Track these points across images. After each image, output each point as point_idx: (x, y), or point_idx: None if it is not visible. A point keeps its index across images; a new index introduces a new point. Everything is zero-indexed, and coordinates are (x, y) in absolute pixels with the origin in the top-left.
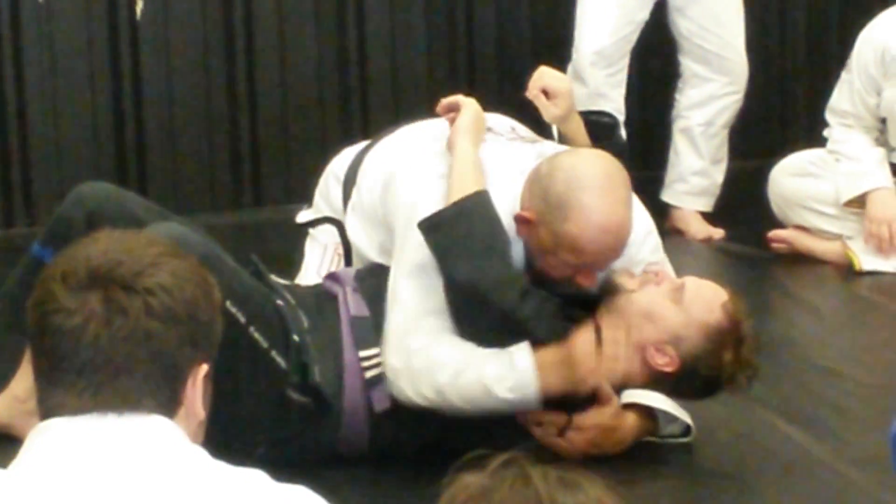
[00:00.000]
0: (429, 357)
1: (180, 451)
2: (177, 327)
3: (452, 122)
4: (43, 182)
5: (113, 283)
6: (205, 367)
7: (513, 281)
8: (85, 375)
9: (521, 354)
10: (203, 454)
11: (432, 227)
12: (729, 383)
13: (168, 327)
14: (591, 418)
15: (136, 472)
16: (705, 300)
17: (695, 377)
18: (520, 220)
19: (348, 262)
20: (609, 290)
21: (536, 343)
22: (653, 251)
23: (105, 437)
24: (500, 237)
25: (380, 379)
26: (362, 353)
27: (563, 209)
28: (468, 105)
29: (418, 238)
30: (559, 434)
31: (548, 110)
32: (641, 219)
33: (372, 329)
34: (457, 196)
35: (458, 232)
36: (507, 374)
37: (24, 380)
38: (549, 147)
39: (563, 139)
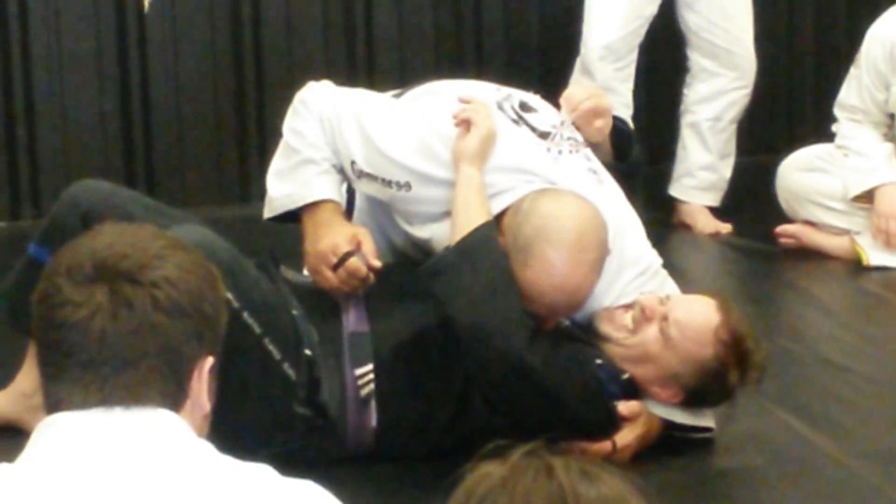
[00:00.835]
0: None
1: (187, 446)
2: (183, 320)
3: (465, 130)
4: (50, 175)
5: (119, 277)
6: (210, 360)
7: (519, 326)
8: (91, 369)
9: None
10: (210, 448)
11: (434, 273)
12: (740, 390)
13: (174, 320)
14: (630, 434)
15: (142, 467)
16: (696, 332)
17: (703, 399)
18: None
19: None
20: (597, 336)
21: (549, 387)
22: (639, 288)
23: (111, 431)
24: (505, 277)
25: (371, 396)
26: (358, 372)
27: (526, 254)
28: (480, 124)
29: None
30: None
31: (601, 132)
32: (635, 261)
33: (369, 345)
34: (461, 230)
35: (461, 277)
36: (294, 190)
37: (29, 375)
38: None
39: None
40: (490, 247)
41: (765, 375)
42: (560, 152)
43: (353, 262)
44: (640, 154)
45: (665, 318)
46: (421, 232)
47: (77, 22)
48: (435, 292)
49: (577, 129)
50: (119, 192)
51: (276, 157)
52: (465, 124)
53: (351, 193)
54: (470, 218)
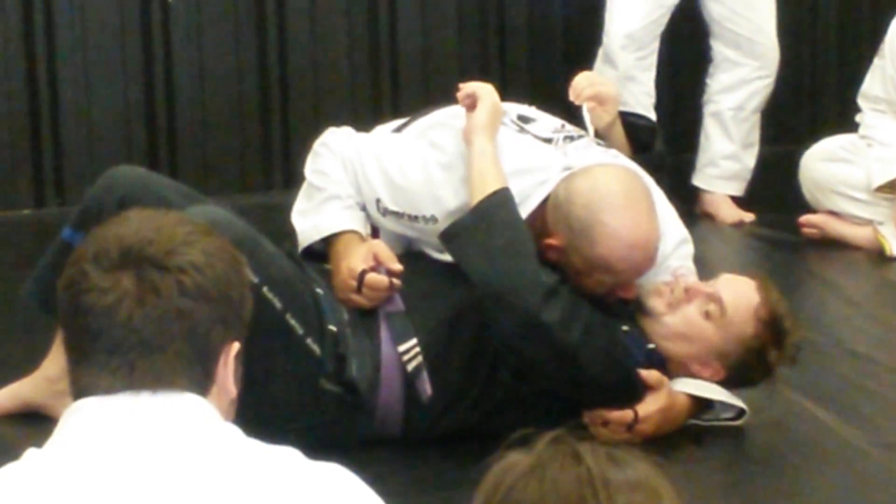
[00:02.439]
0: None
1: (214, 429)
2: (209, 306)
3: (471, 108)
4: (74, 163)
5: (145, 262)
6: (236, 346)
7: (535, 283)
8: (118, 354)
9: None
10: (237, 432)
11: (453, 235)
12: (778, 369)
13: (200, 306)
14: (653, 405)
15: (170, 450)
16: (740, 311)
17: (742, 377)
18: (548, 247)
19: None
20: (641, 311)
21: (566, 347)
22: (683, 259)
23: (139, 415)
24: (521, 237)
25: (421, 368)
26: (402, 348)
27: (589, 234)
28: (486, 98)
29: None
30: (627, 430)
31: (601, 118)
32: (674, 228)
33: (408, 322)
34: (478, 197)
35: (477, 237)
36: (318, 222)
37: (55, 361)
38: (574, 152)
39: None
40: (505, 209)
41: (800, 354)
42: (566, 151)
43: (371, 276)
44: (663, 148)
45: (708, 297)
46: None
47: (101, 10)
48: (453, 254)
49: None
50: (155, 178)
51: (299, 199)
52: (470, 100)
53: None
54: (486, 185)
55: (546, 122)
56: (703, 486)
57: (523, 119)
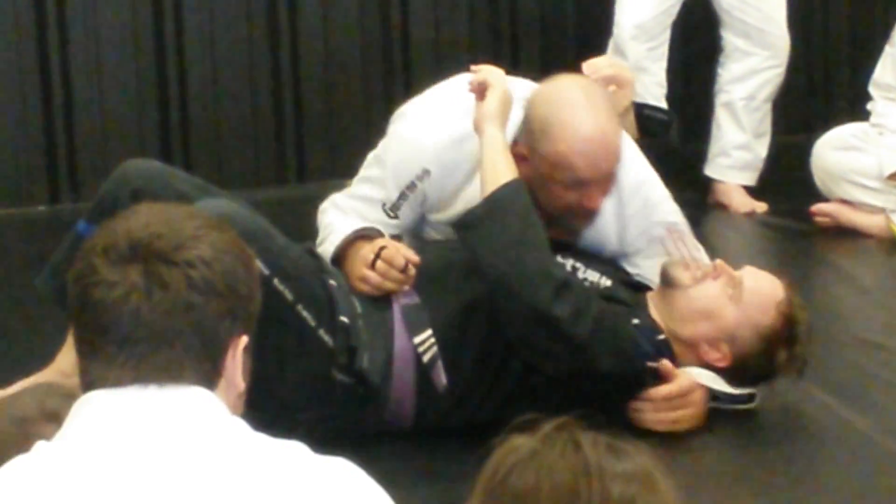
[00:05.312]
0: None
1: (221, 423)
2: (217, 300)
3: (480, 96)
4: (88, 158)
5: (153, 256)
6: (244, 339)
7: (547, 277)
8: (126, 348)
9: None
10: (243, 426)
11: (465, 226)
12: (780, 376)
13: (208, 300)
14: (676, 386)
15: (177, 443)
16: (762, 299)
17: (746, 371)
18: (517, 157)
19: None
20: (665, 283)
21: (576, 340)
22: (672, 213)
23: (147, 408)
24: (534, 228)
25: (436, 359)
26: (417, 339)
27: (547, 131)
28: (496, 86)
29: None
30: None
31: (619, 102)
32: (656, 185)
33: (424, 314)
34: (490, 187)
35: (490, 229)
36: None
37: (69, 355)
38: None
39: None
40: (518, 200)
41: (806, 368)
42: None
43: (389, 251)
44: (677, 139)
45: (734, 280)
46: (457, 208)
47: (114, 6)
48: (465, 245)
49: None
50: (169, 171)
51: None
52: (480, 88)
53: None
54: (497, 175)
55: None
56: (712, 473)
57: None
